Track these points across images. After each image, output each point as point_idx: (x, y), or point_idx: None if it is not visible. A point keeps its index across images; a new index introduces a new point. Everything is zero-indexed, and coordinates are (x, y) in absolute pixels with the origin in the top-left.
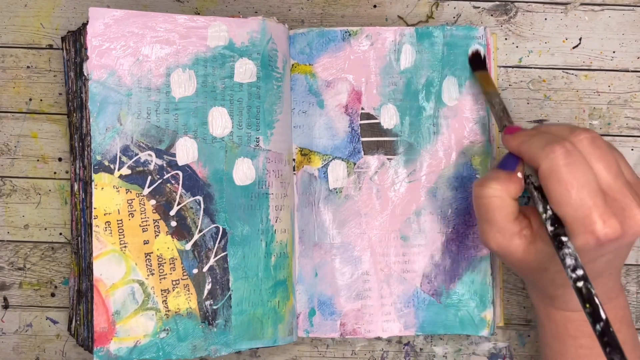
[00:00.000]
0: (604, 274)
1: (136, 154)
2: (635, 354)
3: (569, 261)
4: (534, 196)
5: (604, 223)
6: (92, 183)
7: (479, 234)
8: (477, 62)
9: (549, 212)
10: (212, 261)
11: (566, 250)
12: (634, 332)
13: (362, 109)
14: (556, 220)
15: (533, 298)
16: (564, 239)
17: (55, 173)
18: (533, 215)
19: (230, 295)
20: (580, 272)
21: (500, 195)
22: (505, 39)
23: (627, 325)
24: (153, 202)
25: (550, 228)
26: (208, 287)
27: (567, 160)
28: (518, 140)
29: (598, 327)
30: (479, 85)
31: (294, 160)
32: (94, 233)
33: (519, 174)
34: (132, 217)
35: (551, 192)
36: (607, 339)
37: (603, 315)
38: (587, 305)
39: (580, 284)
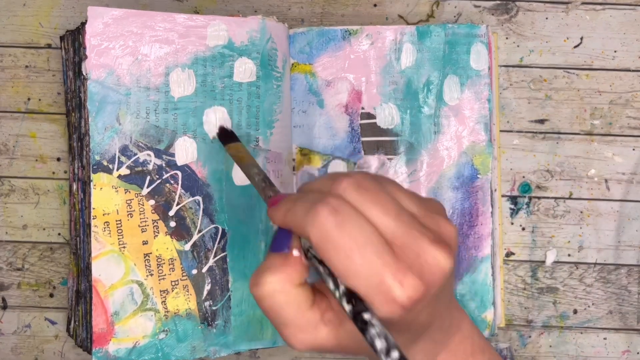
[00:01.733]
0: (434, 322)
1: (135, 154)
2: None
3: (380, 344)
4: (320, 272)
5: (402, 285)
6: (91, 183)
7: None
8: (226, 136)
9: (341, 288)
10: (211, 262)
11: (372, 331)
12: (492, 356)
13: (362, 108)
14: (351, 295)
15: None
16: (366, 316)
17: (54, 173)
18: (329, 292)
19: (229, 296)
20: (395, 354)
21: (282, 289)
22: (506, 38)
23: (480, 353)
24: (152, 202)
25: (347, 307)
26: (207, 287)
27: (337, 219)
28: (282, 210)
29: None
30: (233, 159)
31: (293, 160)
32: (92, 233)
33: (295, 252)
34: (131, 217)
35: (332, 263)
36: None
37: None
38: None
39: None
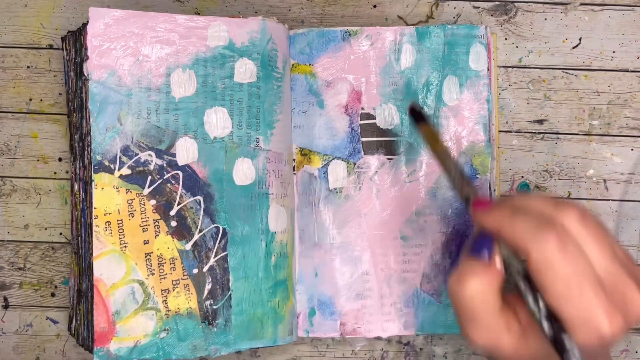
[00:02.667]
0: None
1: (136, 154)
2: None
3: None
4: (521, 287)
5: (610, 322)
6: (92, 183)
7: (461, 331)
8: (417, 116)
9: (543, 308)
10: (212, 261)
11: (571, 356)
12: None
13: (362, 109)
14: (551, 315)
15: None
16: (567, 342)
17: (55, 173)
18: (519, 305)
19: (230, 295)
20: None
21: (480, 292)
22: (505, 39)
23: None
24: (153, 202)
25: (547, 329)
26: (208, 287)
27: (561, 247)
28: (496, 220)
29: None
30: (424, 142)
31: (294, 160)
32: (94, 233)
33: (498, 264)
34: (132, 217)
35: (547, 286)
36: None
37: None
38: None
39: None
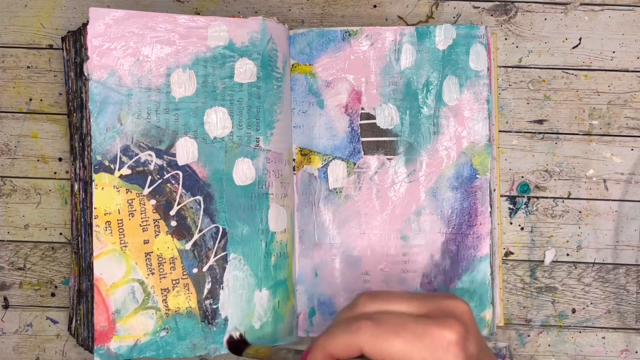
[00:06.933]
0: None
1: (136, 154)
2: None
3: None
4: None
5: (448, 328)
6: (93, 183)
7: None
8: (236, 345)
9: None
10: (212, 261)
11: None
12: None
13: (362, 109)
14: None
15: None
16: None
17: (55, 173)
18: None
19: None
20: None
21: None
22: (505, 39)
23: None
24: (153, 201)
25: None
26: (208, 286)
27: (374, 321)
28: (320, 348)
29: None
30: None
31: (294, 160)
32: (94, 233)
33: None
34: (132, 216)
35: (389, 354)
36: None
37: None
38: None
39: None
